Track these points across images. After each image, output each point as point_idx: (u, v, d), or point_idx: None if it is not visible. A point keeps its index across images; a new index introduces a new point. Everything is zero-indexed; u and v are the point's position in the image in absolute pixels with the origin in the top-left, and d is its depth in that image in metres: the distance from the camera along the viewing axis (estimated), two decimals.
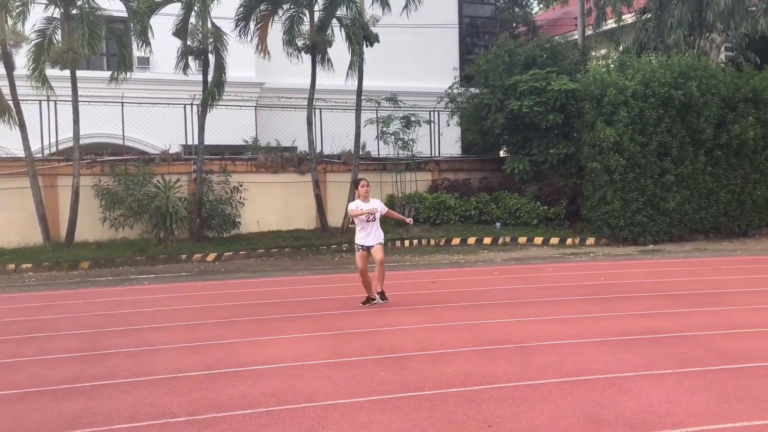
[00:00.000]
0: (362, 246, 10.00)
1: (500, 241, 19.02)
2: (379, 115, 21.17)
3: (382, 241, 10.12)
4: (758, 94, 19.07)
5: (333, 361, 7.22)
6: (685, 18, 20.38)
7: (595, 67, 20.61)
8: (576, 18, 26.71)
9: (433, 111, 22.57)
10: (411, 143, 20.58)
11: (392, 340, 8.08)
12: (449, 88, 22.52)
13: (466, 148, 24.55)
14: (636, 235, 18.27)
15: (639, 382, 6.16)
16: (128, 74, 18.10)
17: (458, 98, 22.30)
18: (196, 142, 18.99)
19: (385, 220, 10.86)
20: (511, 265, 15.25)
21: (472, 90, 22.18)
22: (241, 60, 21.00)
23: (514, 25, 32.12)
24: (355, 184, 11.05)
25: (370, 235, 9.97)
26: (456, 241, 19.07)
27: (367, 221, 9.95)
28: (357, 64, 19.19)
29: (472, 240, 19.10)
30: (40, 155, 18.69)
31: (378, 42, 19.83)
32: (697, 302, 9.98)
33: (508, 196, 20.67)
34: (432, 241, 19.16)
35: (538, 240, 18.89)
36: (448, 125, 22.95)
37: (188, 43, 18.48)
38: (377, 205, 10.11)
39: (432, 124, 22.34)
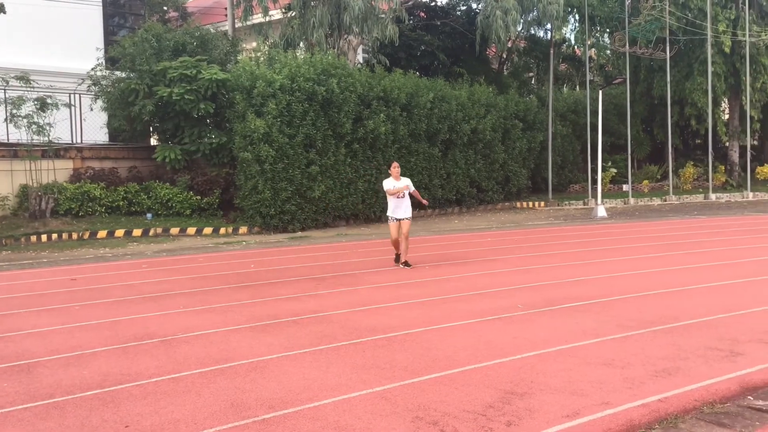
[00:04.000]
0: (394, 218, 12.02)
1: (151, 232, 18.40)
2: (8, 96, 18.79)
3: (410, 216, 12.11)
4: (388, 94, 21.32)
5: None
6: (325, 19, 21.88)
7: (244, 59, 21.03)
8: (227, 8, 26.91)
9: (74, 93, 20.82)
10: (48, 128, 18.67)
11: (19, 346, 7.27)
12: (92, 69, 21.00)
13: (113, 135, 23.15)
14: (286, 223, 19.14)
15: (280, 363, 6.44)
16: None
17: (103, 81, 20.91)
18: None
19: None
20: (163, 257, 14.82)
21: (118, 73, 20.97)
22: None
23: (165, 9, 31.19)
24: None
25: (399, 209, 11.98)
26: (102, 233, 17.92)
27: (399, 197, 11.94)
28: None
29: (120, 232, 18.14)
30: None
31: (4, 13, 17.59)
32: (336, 283, 10.80)
33: (160, 186, 20.03)
34: (74, 235, 17.72)
35: (192, 230, 18.70)
36: (92, 110, 21.39)
37: None
38: (408, 183, 12.08)
39: (73, 107, 20.60)
